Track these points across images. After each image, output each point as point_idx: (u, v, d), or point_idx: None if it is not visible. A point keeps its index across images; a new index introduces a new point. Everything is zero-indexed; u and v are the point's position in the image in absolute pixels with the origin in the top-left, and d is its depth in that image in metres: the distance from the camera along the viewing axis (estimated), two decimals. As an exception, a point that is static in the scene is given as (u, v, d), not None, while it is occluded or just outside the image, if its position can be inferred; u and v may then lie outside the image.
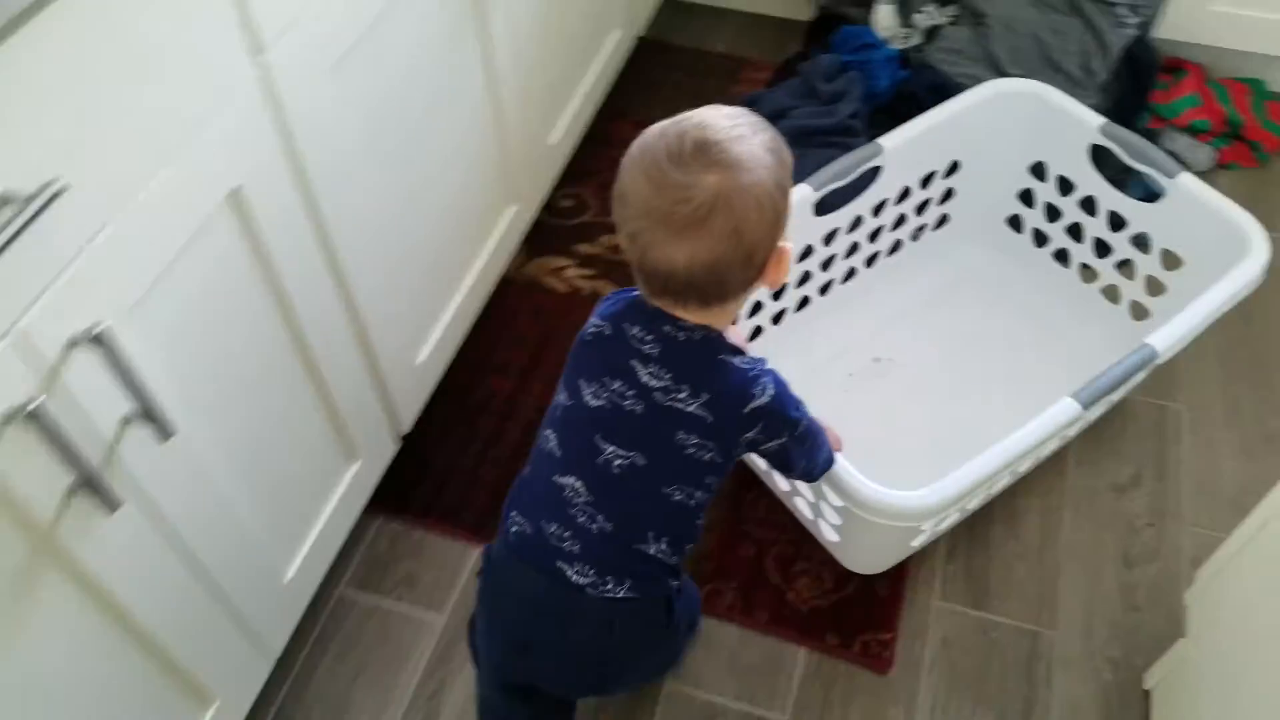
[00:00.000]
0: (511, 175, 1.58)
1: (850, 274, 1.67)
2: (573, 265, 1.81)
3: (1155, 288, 1.57)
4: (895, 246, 1.70)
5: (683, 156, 0.87)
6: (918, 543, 1.40)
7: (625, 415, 0.96)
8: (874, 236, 1.64)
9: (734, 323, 1.08)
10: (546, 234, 1.85)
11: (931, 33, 1.83)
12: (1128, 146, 1.49)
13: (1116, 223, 1.57)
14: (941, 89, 1.69)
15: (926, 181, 1.62)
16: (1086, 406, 1.24)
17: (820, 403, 1.14)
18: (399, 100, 1.22)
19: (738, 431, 0.97)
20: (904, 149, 1.51)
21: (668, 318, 0.95)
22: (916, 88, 1.78)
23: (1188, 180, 1.45)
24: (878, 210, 1.59)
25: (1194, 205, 1.45)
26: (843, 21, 2.01)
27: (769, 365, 1.00)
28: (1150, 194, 1.49)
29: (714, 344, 0.96)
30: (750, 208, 0.87)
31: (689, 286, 0.90)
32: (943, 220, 1.73)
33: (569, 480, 0.99)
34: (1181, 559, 1.45)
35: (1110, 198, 1.56)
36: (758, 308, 1.54)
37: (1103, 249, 1.62)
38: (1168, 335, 1.30)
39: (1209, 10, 1.90)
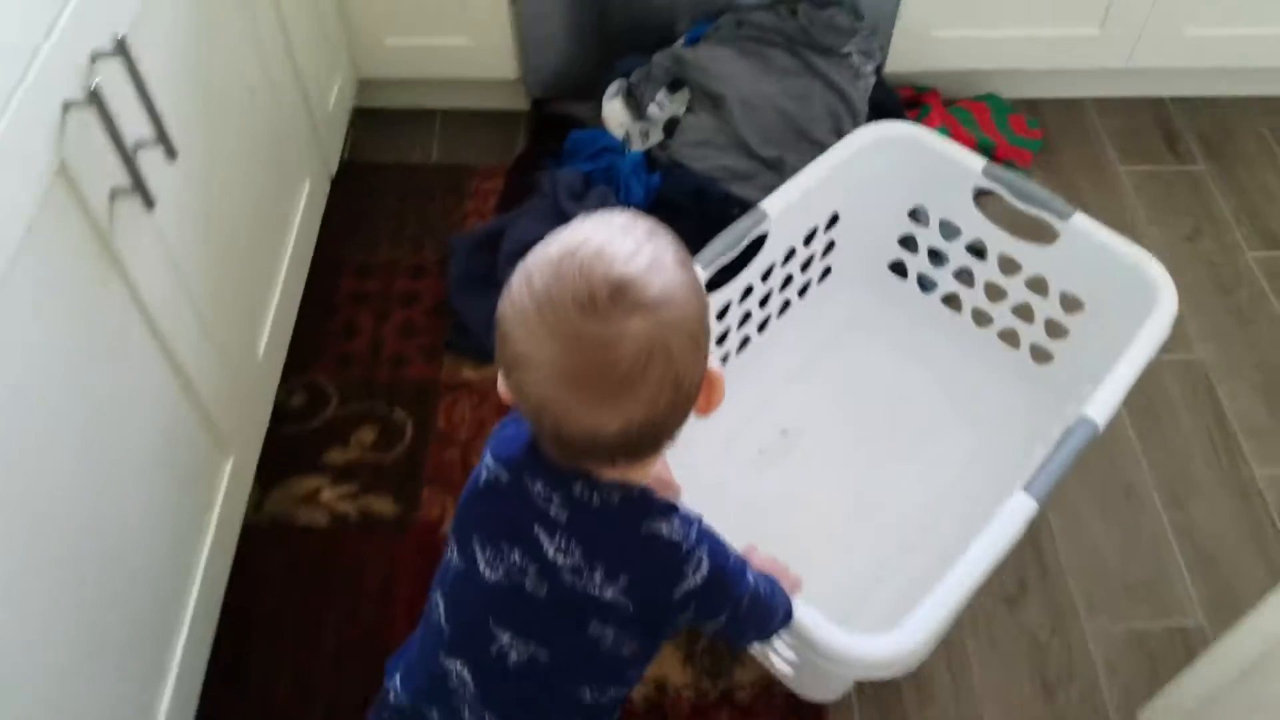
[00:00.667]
0: (219, 422, 1.18)
1: (744, 343, 1.54)
2: (327, 484, 1.42)
3: (1056, 330, 1.47)
4: (785, 306, 1.57)
5: (596, 305, 0.66)
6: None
7: (526, 598, 0.78)
8: (764, 301, 1.52)
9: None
10: (284, 449, 1.43)
11: (670, 125, 1.60)
12: (1012, 188, 1.37)
13: (1008, 266, 1.46)
14: (702, 193, 1.50)
15: (809, 238, 1.50)
16: (1042, 500, 1.10)
17: (736, 489, 1.30)
18: (39, 382, 0.85)
19: (665, 620, 0.80)
20: (787, 211, 1.37)
21: (579, 474, 0.75)
22: (676, 194, 1.55)
23: (1082, 220, 1.35)
24: (766, 275, 1.46)
25: (1090, 246, 1.35)
26: (568, 122, 1.74)
27: (702, 525, 0.80)
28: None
29: (635, 507, 0.76)
30: (687, 349, 0.69)
31: (618, 449, 0.71)
32: (826, 272, 1.61)
33: (454, 665, 0.82)
34: (1093, 665, 1.34)
35: (1000, 240, 1.44)
36: None
37: (996, 293, 1.51)
38: (1102, 405, 1.17)
39: (931, 38, 1.82)
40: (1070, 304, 1.42)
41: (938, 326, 1.59)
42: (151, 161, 1.00)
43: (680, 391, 0.70)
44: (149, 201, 0.97)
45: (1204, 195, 1.86)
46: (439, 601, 0.84)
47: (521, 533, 0.77)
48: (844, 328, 1.60)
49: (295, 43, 1.46)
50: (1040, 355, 1.50)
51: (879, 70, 1.71)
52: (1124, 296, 1.31)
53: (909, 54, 1.83)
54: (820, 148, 1.58)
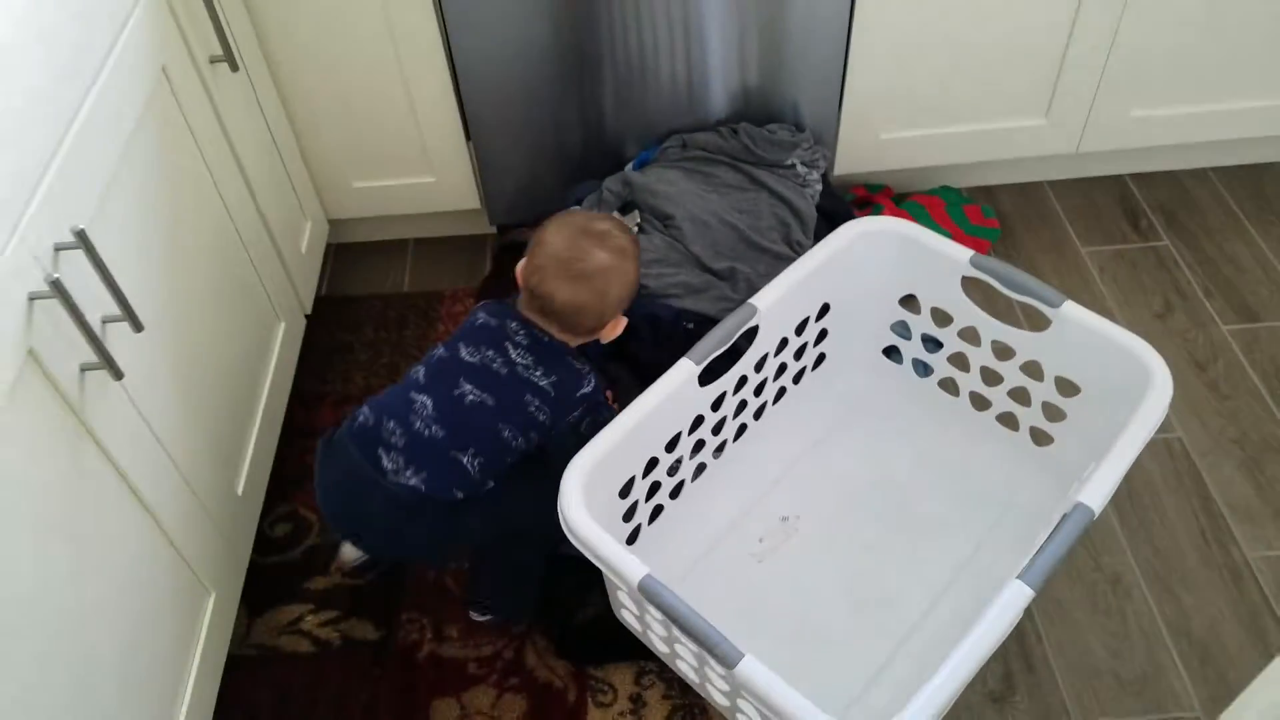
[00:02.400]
0: (197, 564, 1.26)
1: (741, 431, 1.59)
2: (309, 611, 1.49)
3: (1054, 414, 1.50)
4: (780, 394, 1.62)
5: (591, 234, 1.28)
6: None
7: (490, 372, 1.27)
8: (759, 390, 1.56)
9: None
10: (268, 580, 1.50)
11: (624, 247, 1.70)
12: (1001, 277, 1.43)
13: (1002, 351, 1.50)
14: (656, 319, 1.55)
15: (801, 328, 1.55)
16: (1038, 587, 1.12)
17: (736, 579, 1.44)
18: (19, 555, 0.93)
19: (568, 409, 1.30)
20: (776, 305, 1.44)
21: (537, 326, 1.29)
22: (631, 317, 1.62)
23: (1072, 309, 1.39)
24: (759, 366, 1.51)
25: (1083, 332, 1.38)
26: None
27: (596, 380, 1.32)
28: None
29: (565, 350, 1.30)
30: (615, 283, 1.28)
31: (557, 314, 1.27)
32: (820, 359, 1.66)
33: (421, 398, 1.26)
34: None
35: (992, 328, 1.49)
36: (655, 488, 1.45)
37: (992, 377, 1.55)
38: (1098, 491, 1.19)
39: (878, 141, 1.89)
40: (1066, 388, 1.45)
41: (936, 410, 1.62)
42: (119, 334, 1.09)
43: (601, 303, 1.27)
44: (117, 374, 1.05)
45: (1170, 270, 1.87)
46: (419, 369, 1.29)
47: (498, 343, 1.28)
48: (842, 412, 1.64)
49: (261, 198, 1.57)
50: (1041, 437, 1.53)
51: (825, 176, 1.79)
52: (1118, 381, 1.34)
53: (858, 157, 1.91)
54: (771, 255, 1.66)
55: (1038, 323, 1.46)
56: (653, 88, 1.74)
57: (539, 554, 1.43)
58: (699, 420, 1.45)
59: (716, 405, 1.46)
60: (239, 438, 1.44)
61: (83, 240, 1.01)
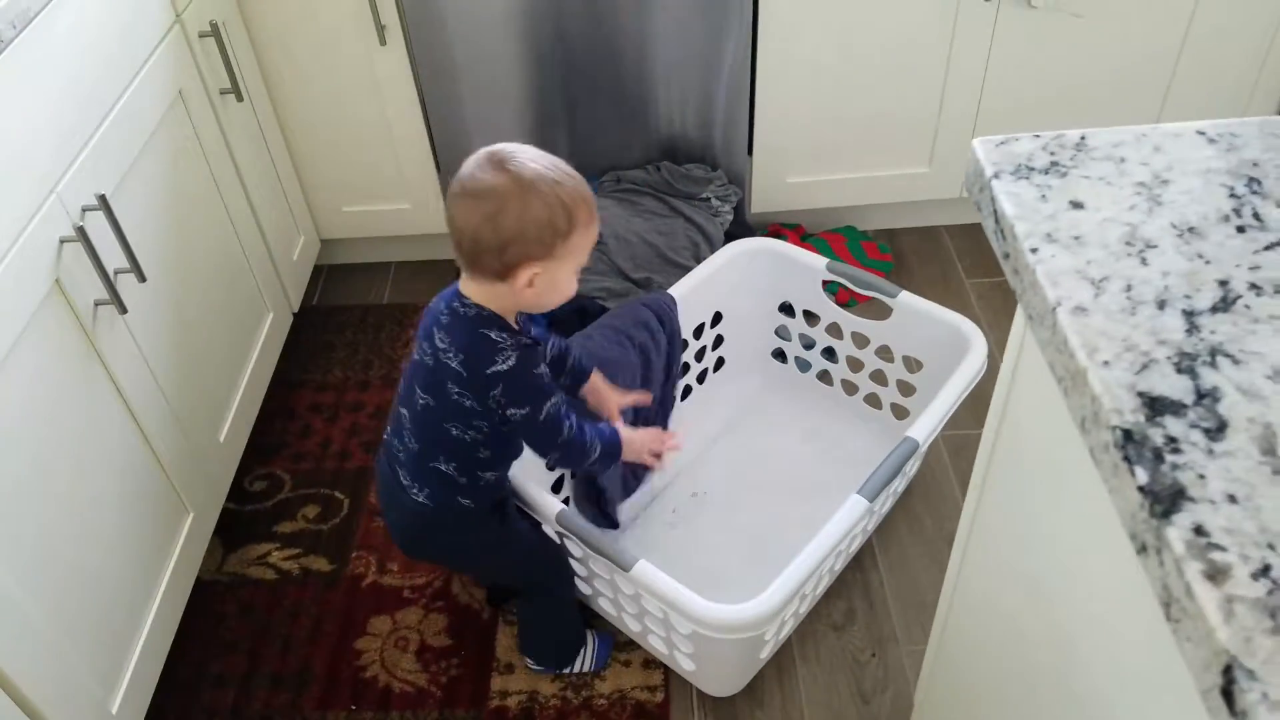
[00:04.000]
0: (180, 485, 1.54)
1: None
2: (275, 549, 1.76)
3: (906, 389, 1.80)
4: (687, 392, 1.89)
5: (496, 156, 1.16)
6: (765, 654, 1.52)
7: (426, 368, 1.25)
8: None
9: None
10: (243, 523, 1.79)
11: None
12: (851, 278, 1.74)
13: (860, 340, 1.81)
14: (583, 310, 1.84)
15: (698, 332, 1.85)
16: (872, 499, 1.41)
17: (658, 540, 1.67)
18: (34, 448, 1.21)
19: (484, 388, 1.22)
20: (682, 302, 1.74)
21: (458, 295, 1.23)
22: (562, 311, 1.88)
23: (908, 297, 1.71)
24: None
25: (917, 316, 1.70)
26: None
27: (530, 357, 1.23)
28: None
29: (484, 320, 1.22)
30: (510, 211, 1.14)
31: (459, 247, 1.18)
32: (720, 363, 1.94)
33: (403, 410, 1.32)
34: (908, 680, 1.56)
35: (850, 321, 1.80)
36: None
37: (856, 365, 1.85)
38: (923, 427, 1.50)
39: (786, 183, 2.19)
40: (912, 364, 1.76)
41: (816, 399, 1.93)
42: (127, 283, 1.40)
43: (495, 233, 1.15)
44: (123, 308, 1.36)
45: None
46: (403, 378, 1.32)
47: (429, 330, 1.25)
48: (739, 405, 1.93)
49: (259, 209, 1.90)
50: (899, 412, 1.83)
51: (738, 209, 2.10)
52: (949, 351, 1.64)
53: (771, 198, 2.22)
54: (682, 269, 1.96)
55: (884, 313, 1.76)
56: (597, 135, 2.08)
57: (558, 600, 1.53)
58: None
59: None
60: (225, 395, 1.74)
61: (104, 204, 1.33)
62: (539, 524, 1.47)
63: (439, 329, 1.23)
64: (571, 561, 1.52)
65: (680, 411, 1.88)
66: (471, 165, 1.17)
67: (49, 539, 1.23)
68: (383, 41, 1.89)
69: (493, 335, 1.21)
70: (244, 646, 1.62)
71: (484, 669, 1.57)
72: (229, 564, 1.74)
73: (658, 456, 1.40)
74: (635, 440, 1.38)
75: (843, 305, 1.82)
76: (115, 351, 1.38)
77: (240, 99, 1.78)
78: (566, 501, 1.66)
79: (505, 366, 1.20)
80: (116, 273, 1.38)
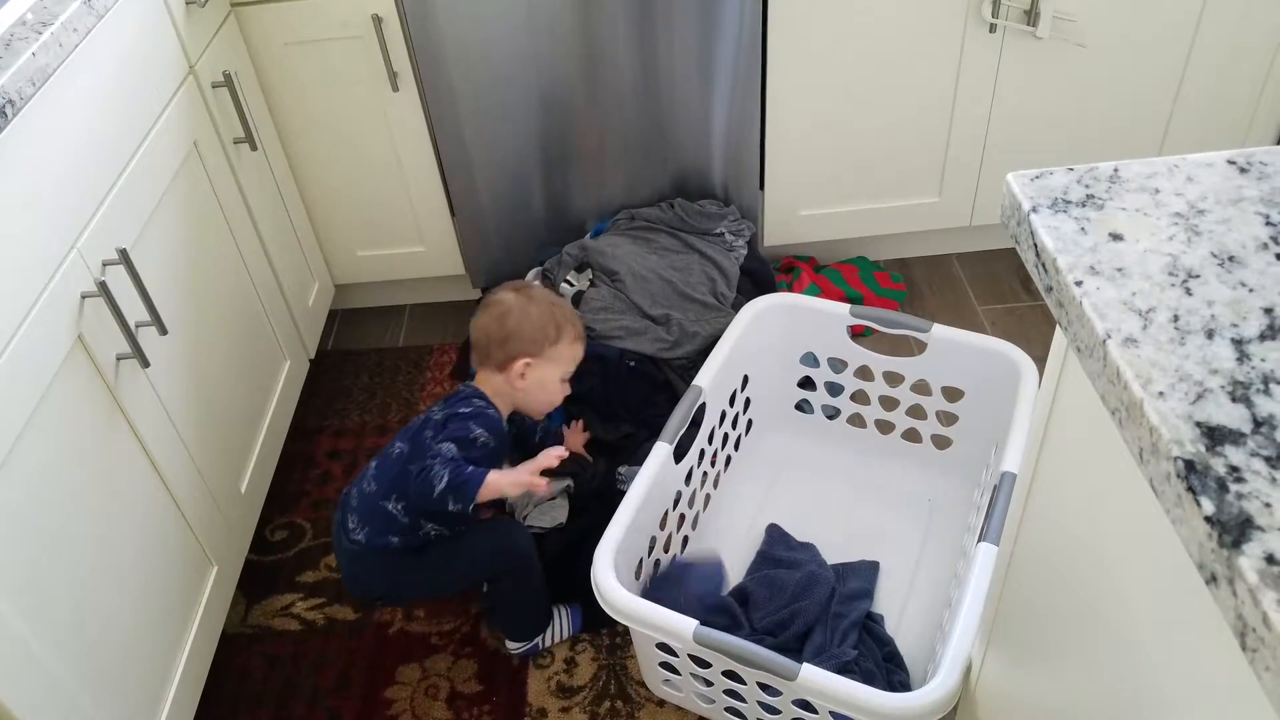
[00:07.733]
0: (204, 538, 1.53)
1: (706, 501, 1.80)
2: (299, 598, 1.75)
3: (947, 419, 1.79)
4: (728, 462, 1.86)
5: (509, 285, 1.57)
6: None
7: (415, 424, 1.50)
8: (713, 461, 1.79)
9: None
10: (265, 574, 1.78)
11: (578, 298, 1.99)
12: (878, 319, 1.72)
13: (893, 379, 1.78)
14: (603, 359, 1.83)
15: (732, 399, 1.80)
16: (998, 543, 1.24)
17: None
18: (60, 504, 1.20)
19: (443, 425, 1.45)
20: (714, 382, 1.69)
21: (466, 383, 1.53)
22: (584, 362, 1.85)
23: (941, 329, 1.69)
24: (710, 438, 1.75)
25: (953, 346, 1.68)
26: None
27: (501, 429, 1.49)
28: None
29: (478, 394, 1.51)
30: (513, 313, 1.51)
31: (475, 346, 1.52)
32: (750, 425, 1.91)
33: (372, 461, 1.52)
34: None
35: (881, 362, 1.77)
36: (656, 563, 1.62)
37: (890, 403, 1.81)
38: (1014, 459, 1.46)
39: (798, 217, 2.20)
40: (952, 394, 1.73)
41: (850, 443, 1.87)
42: (149, 335, 1.40)
43: (500, 329, 1.49)
44: (145, 362, 1.36)
45: (1052, 323, 2.11)
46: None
47: (434, 406, 1.52)
48: (777, 466, 1.86)
49: (274, 257, 1.90)
50: (940, 442, 1.80)
51: (751, 243, 2.10)
52: (990, 375, 1.63)
53: (783, 231, 2.22)
54: (699, 304, 1.96)
55: (916, 350, 1.75)
56: (609, 173, 2.08)
57: (526, 586, 1.58)
58: (679, 496, 1.65)
59: (688, 479, 1.67)
60: (245, 445, 1.74)
61: (124, 258, 1.34)
62: (497, 522, 1.62)
63: (442, 400, 1.51)
64: (683, 673, 1.43)
65: (725, 485, 1.83)
66: (493, 290, 1.55)
67: (76, 597, 1.22)
68: (395, 88, 1.91)
69: (477, 400, 1.49)
70: (272, 700, 1.60)
71: (516, 713, 1.55)
72: (253, 616, 1.73)
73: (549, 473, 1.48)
74: (506, 478, 1.40)
75: (856, 336, 1.80)
76: (138, 405, 1.38)
77: (254, 148, 1.79)
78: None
79: (468, 410, 1.47)
80: (138, 326, 1.38)
